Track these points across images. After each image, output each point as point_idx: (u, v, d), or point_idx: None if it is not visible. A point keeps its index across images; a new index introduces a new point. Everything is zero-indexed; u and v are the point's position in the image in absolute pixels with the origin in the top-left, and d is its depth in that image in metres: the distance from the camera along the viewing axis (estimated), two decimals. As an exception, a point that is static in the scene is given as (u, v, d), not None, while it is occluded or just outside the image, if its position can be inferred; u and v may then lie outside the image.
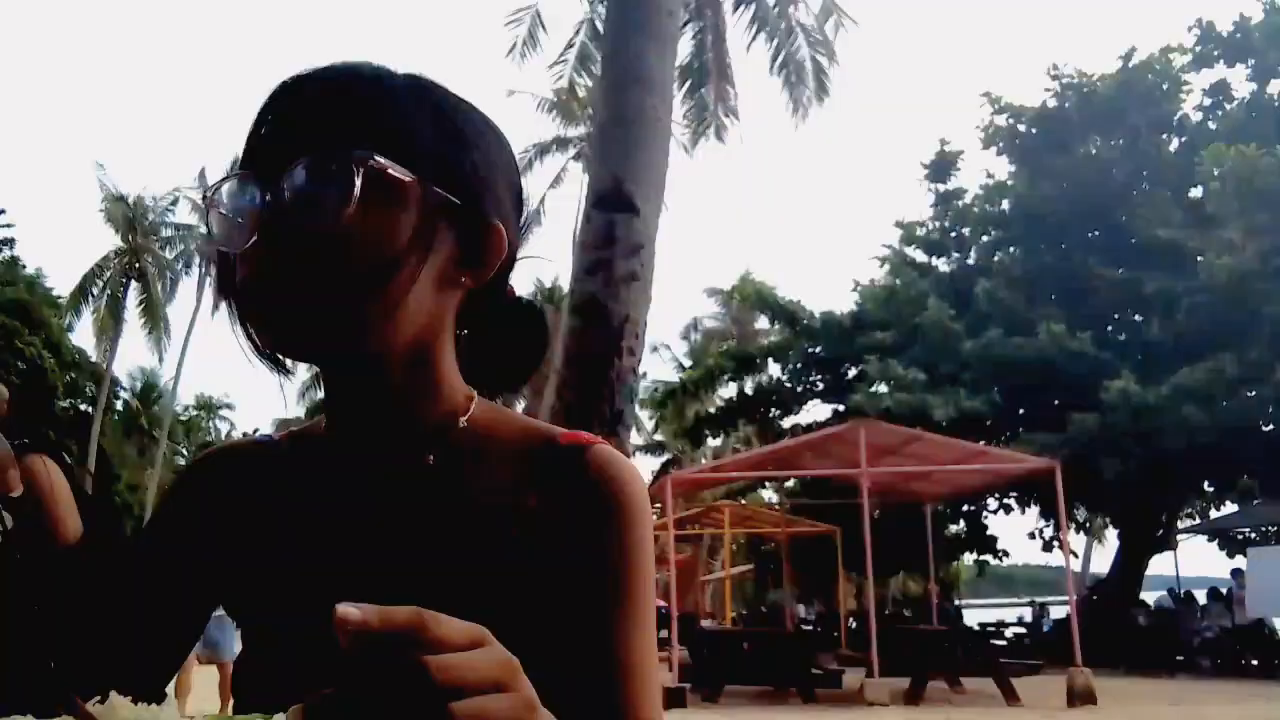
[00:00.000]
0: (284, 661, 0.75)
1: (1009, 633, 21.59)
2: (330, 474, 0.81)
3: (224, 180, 0.76)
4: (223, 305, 0.79)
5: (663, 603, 24.73)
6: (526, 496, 0.78)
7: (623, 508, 0.78)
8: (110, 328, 34.74)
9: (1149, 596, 21.27)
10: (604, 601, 0.75)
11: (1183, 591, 19.98)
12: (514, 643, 0.70)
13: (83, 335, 37.89)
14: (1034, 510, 22.45)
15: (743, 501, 26.84)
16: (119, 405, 42.93)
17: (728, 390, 26.16)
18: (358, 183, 0.71)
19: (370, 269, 0.72)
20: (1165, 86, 20.13)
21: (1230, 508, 21.13)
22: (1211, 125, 20.22)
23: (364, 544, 0.78)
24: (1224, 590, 18.45)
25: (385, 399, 0.79)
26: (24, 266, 36.34)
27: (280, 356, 0.79)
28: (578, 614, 0.75)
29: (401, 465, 0.79)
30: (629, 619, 0.76)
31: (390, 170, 0.73)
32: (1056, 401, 19.33)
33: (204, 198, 0.77)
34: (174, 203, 37.51)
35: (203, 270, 36.83)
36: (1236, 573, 17.98)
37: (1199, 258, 17.92)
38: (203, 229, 37.51)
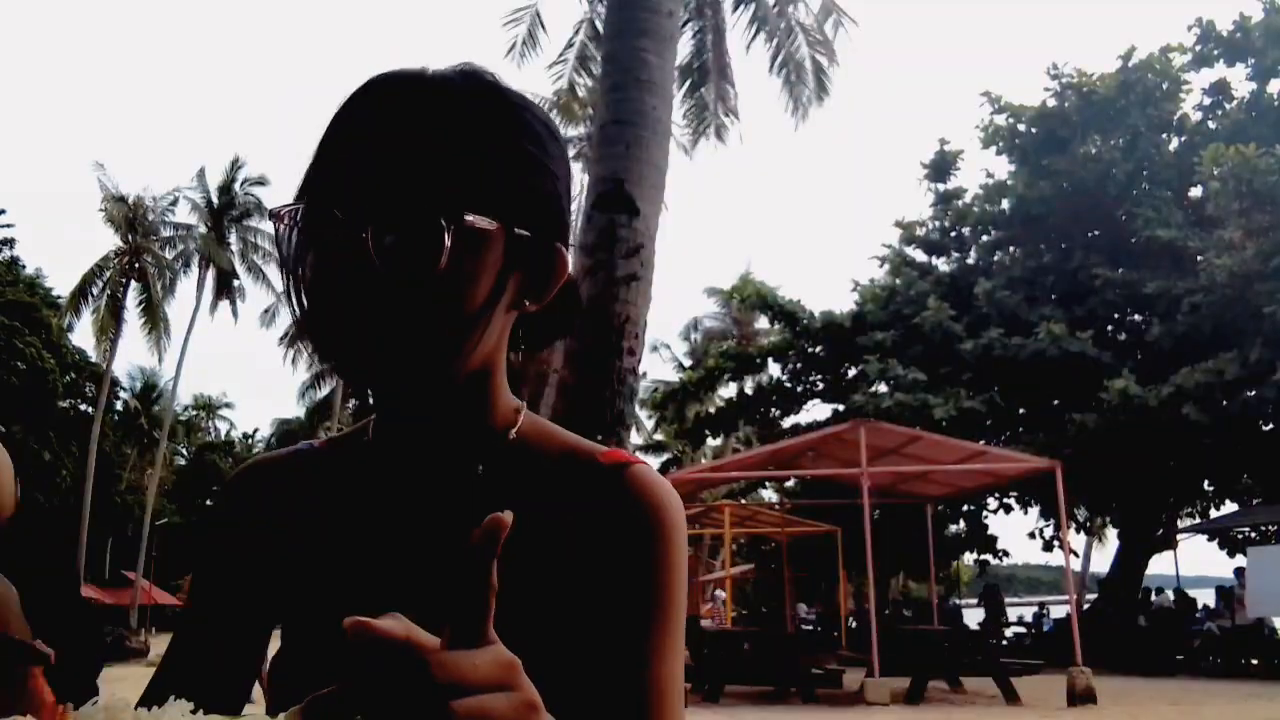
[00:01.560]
0: (324, 663, 0.75)
1: (1008, 632, 21.61)
2: (379, 482, 0.83)
3: (302, 202, 0.76)
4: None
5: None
6: (570, 511, 0.79)
7: (662, 529, 0.79)
8: (110, 328, 34.73)
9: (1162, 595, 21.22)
10: (640, 621, 0.76)
11: (1179, 591, 20.00)
12: (548, 655, 0.71)
13: (83, 335, 37.93)
14: (1034, 510, 22.46)
15: (743, 501, 26.84)
16: (119, 405, 42.94)
17: (728, 390, 26.19)
18: (448, 241, 0.72)
19: (456, 319, 0.74)
20: (1165, 86, 20.13)
21: (1230, 507, 21.14)
22: (1211, 125, 20.23)
23: (413, 551, 0.79)
24: (1229, 589, 18.44)
25: (444, 416, 0.81)
26: (24, 266, 36.37)
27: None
28: (614, 632, 0.76)
29: (452, 475, 0.81)
30: (663, 640, 0.76)
31: (479, 224, 0.74)
32: (1056, 401, 19.34)
33: (274, 215, 0.76)
34: (174, 203, 37.55)
35: (202, 270, 36.84)
36: (1239, 572, 17.98)
37: (1199, 258, 17.92)
38: (202, 229, 37.56)
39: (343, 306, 0.74)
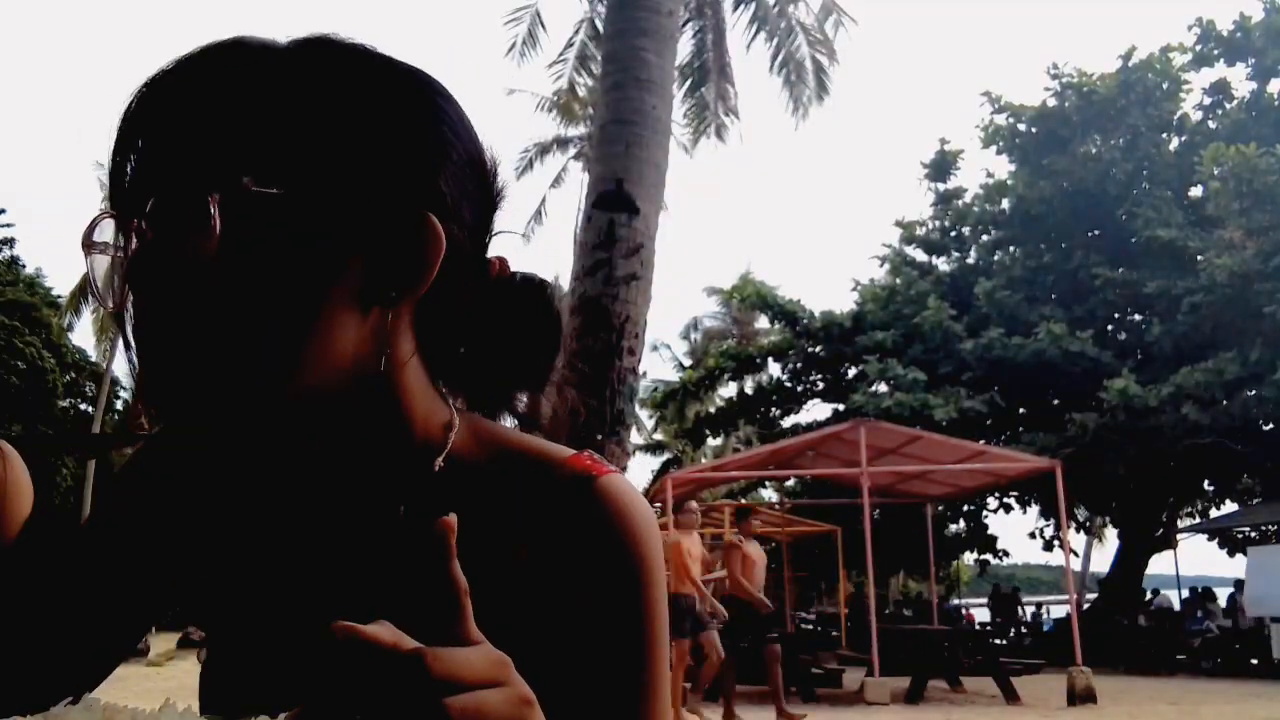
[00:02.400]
0: (259, 669, 0.69)
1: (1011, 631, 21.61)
2: (284, 496, 0.71)
3: (95, 221, 0.62)
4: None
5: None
6: (521, 542, 0.67)
7: (636, 553, 0.67)
8: (110, 327, 34.73)
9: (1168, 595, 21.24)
10: (623, 664, 0.66)
11: (1193, 590, 20.00)
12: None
13: (83, 335, 37.92)
14: (1034, 510, 22.47)
15: (743, 501, 26.84)
16: (119, 405, 42.96)
17: (728, 390, 26.18)
18: (214, 214, 0.58)
19: (253, 313, 0.59)
20: (1165, 86, 20.12)
21: (1230, 507, 21.14)
22: (1211, 125, 20.22)
23: (332, 606, 0.67)
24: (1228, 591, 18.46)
25: (334, 448, 0.68)
26: (24, 266, 36.37)
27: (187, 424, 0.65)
28: (591, 681, 0.66)
29: (369, 518, 0.68)
30: (648, 682, 0.67)
31: (256, 189, 0.59)
32: (1056, 401, 19.35)
33: (82, 243, 0.63)
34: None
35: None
36: (1240, 584, 17.99)
37: (1199, 258, 17.92)
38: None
39: (141, 326, 0.61)
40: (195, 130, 0.60)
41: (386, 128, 0.64)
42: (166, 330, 0.60)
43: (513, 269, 0.74)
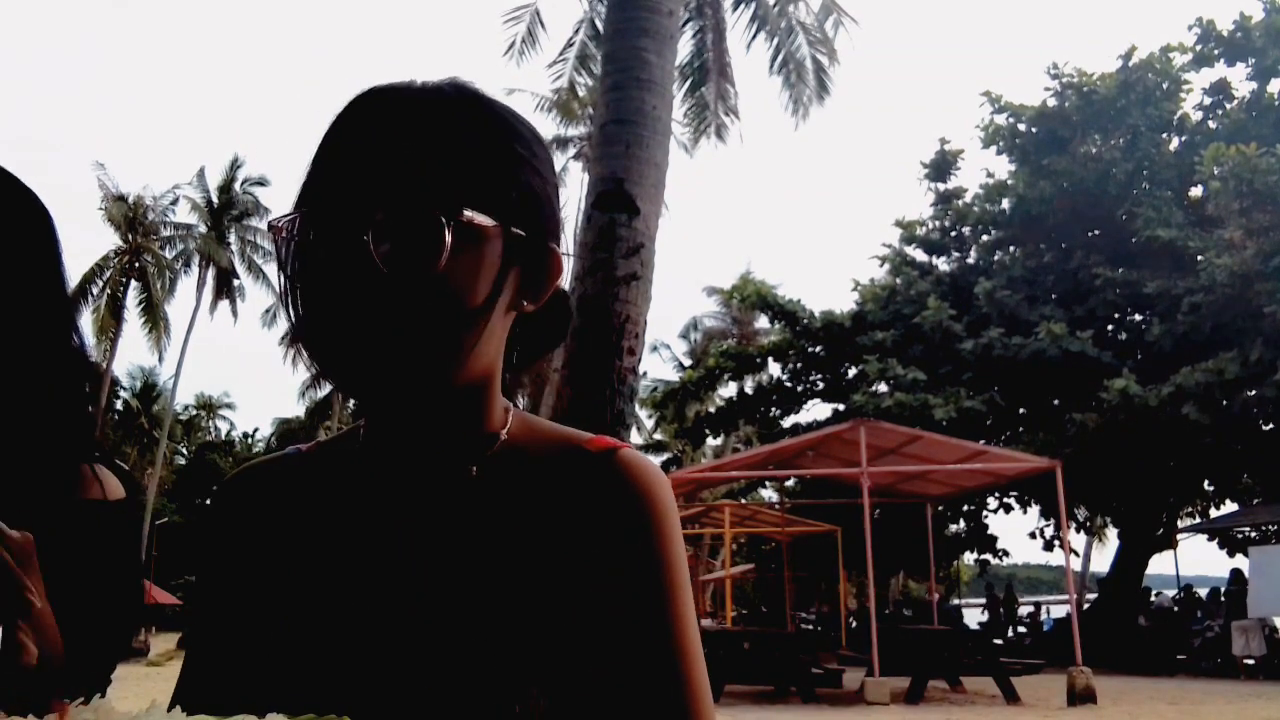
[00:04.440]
0: (310, 666, 0.77)
1: (1009, 630, 21.62)
2: (370, 487, 0.83)
3: (300, 212, 0.76)
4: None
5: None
6: (564, 502, 0.81)
7: (656, 506, 0.81)
8: (110, 327, 34.72)
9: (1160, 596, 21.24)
10: (654, 598, 0.79)
11: (1188, 589, 20.00)
12: (566, 642, 0.76)
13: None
14: (1034, 510, 22.47)
15: (743, 501, 26.84)
16: (119, 405, 42.94)
17: (728, 390, 26.17)
18: (448, 238, 0.72)
19: (457, 318, 0.75)
20: (1165, 86, 20.12)
21: (1230, 507, 21.14)
22: (1212, 124, 20.23)
23: (406, 556, 0.79)
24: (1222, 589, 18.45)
25: (442, 420, 0.82)
26: (24, 266, 36.29)
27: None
28: (630, 609, 0.78)
29: (446, 478, 0.82)
30: (678, 611, 0.80)
31: (477, 220, 0.75)
32: (1056, 401, 19.34)
33: (273, 226, 0.77)
34: (174, 202, 37.54)
35: (202, 270, 36.84)
36: (1235, 573, 18.00)
37: (1199, 258, 17.92)
38: (202, 228, 37.57)
39: (345, 312, 0.73)
40: (432, 155, 0.75)
41: (541, 174, 0.82)
42: (388, 321, 0.73)
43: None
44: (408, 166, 0.74)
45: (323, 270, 0.74)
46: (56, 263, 1.00)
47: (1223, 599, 18.27)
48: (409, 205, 0.73)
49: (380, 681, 0.75)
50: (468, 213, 0.74)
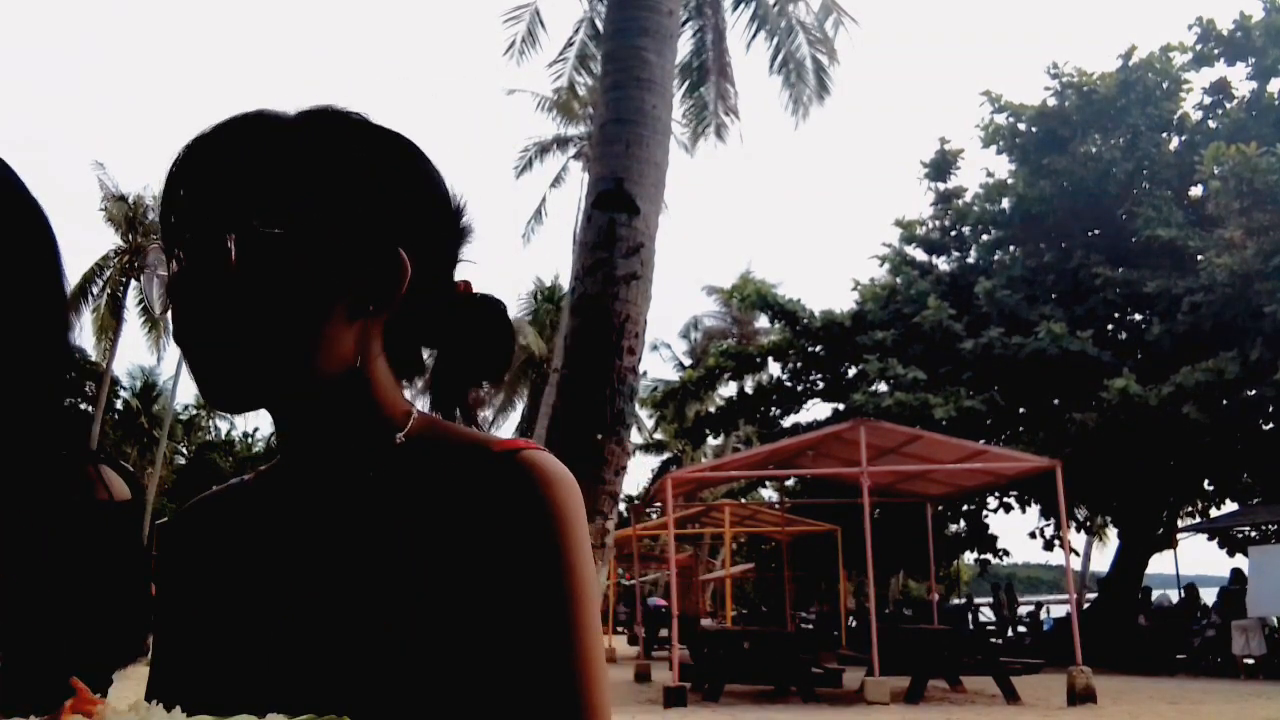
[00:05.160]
0: (205, 673, 0.83)
1: (1009, 630, 21.62)
2: (285, 500, 0.86)
3: (147, 250, 0.83)
4: None
5: (663, 602, 24.75)
6: (462, 504, 0.80)
7: (557, 509, 0.80)
8: (110, 327, 34.72)
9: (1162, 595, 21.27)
10: (551, 605, 0.78)
11: (1190, 587, 19.98)
12: (455, 650, 0.76)
13: (83, 334, 37.90)
14: (1034, 509, 22.45)
15: (743, 501, 26.83)
16: (119, 405, 42.93)
17: (728, 389, 26.16)
18: (232, 248, 0.76)
19: (274, 329, 0.78)
20: (1165, 85, 20.10)
21: (1230, 507, 21.13)
22: (1212, 124, 20.20)
23: (311, 564, 0.82)
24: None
25: (321, 428, 0.85)
26: (24, 266, 36.30)
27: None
28: (526, 615, 0.77)
29: (344, 484, 0.84)
30: (577, 620, 0.78)
31: (268, 229, 0.78)
32: (1056, 401, 19.32)
33: (138, 266, 0.83)
34: (174, 202, 37.52)
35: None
36: (1235, 573, 17.99)
37: (1199, 257, 17.91)
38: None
39: (181, 334, 0.80)
40: (222, 183, 0.79)
41: (369, 182, 0.83)
42: (207, 334, 0.79)
43: (476, 291, 0.90)
44: (214, 185, 0.79)
45: (166, 301, 0.82)
46: (52, 263, 1.00)
47: (1219, 599, 18.29)
48: (206, 222, 0.78)
49: (279, 693, 0.74)
50: (258, 220, 0.78)
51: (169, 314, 0.81)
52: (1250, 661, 15.90)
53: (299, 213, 0.79)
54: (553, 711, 0.76)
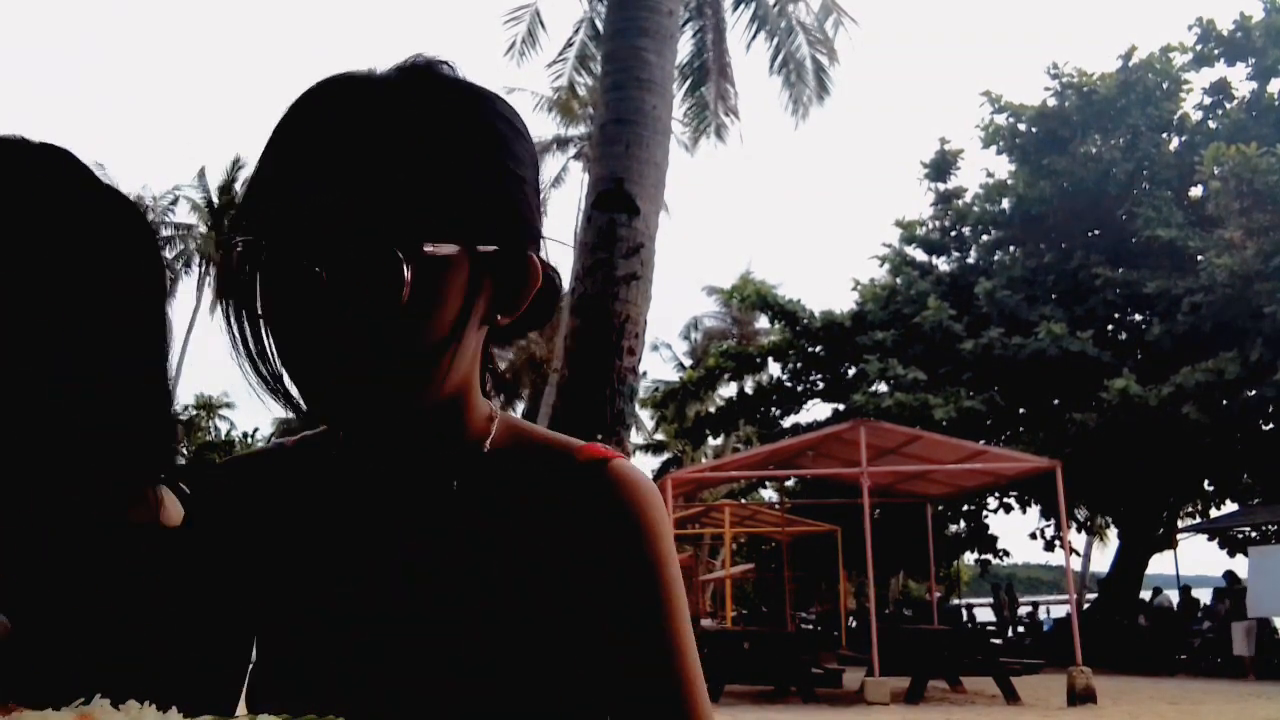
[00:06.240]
0: (299, 672, 0.77)
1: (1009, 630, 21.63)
2: (352, 493, 0.81)
3: (247, 233, 0.71)
4: (230, 327, 0.75)
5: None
6: (553, 514, 0.79)
7: (648, 521, 0.79)
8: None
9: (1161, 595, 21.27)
10: (649, 615, 0.77)
11: (1185, 590, 20.00)
12: (548, 656, 0.75)
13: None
14: (1034, 510, 22.46)
15: (743, 501, 26.81)
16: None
17: (728, 390, 26.16)
18: (407, 274, 0.68)
19: (424, 348, 0.72)
20: (1165, 86, 20.11)
21: (1230, 507, 21.14)
22: (1212, 124, 20.21)
23: (388, 566, 0.78)
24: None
25: (418, 436, 0.80)
26: (24, 266, 36.33)
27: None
28: (626, 627, 0.77)
29: (427, 492, 0.80)
30: (675, 628, 0.78)
31: (439, 251, 0.70)
32: (1056, 401, 19.33)
33: (220, 244, 0.75)
34: (174, 203, 37.57)
35: (202, 270, 36.84)
36: (1229, 575, 18.03)
37: (1199, 258, 17.91)
38: (202, 229, 37.57)
39: (303, 345, 0.71)
40: (386, 185, 0.69)
41: (516, 173, 0.76)
42: (351, 356, 0.70)
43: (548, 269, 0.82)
44: (360, 189, 0.69)
45: (278, 300, 0.71)
46: (157, 280, 0.97)
47: (1215, 601, 18.36)
48: (364, 239, 0.68)
49: (365, 696, 0.74)
50: (429, 246, 0.69)
51: (290, 328, 0.71)
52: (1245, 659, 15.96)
53: (464, 217, 0.72)
54: (667, 714, 0.76)
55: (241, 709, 0.67)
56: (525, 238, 0.77)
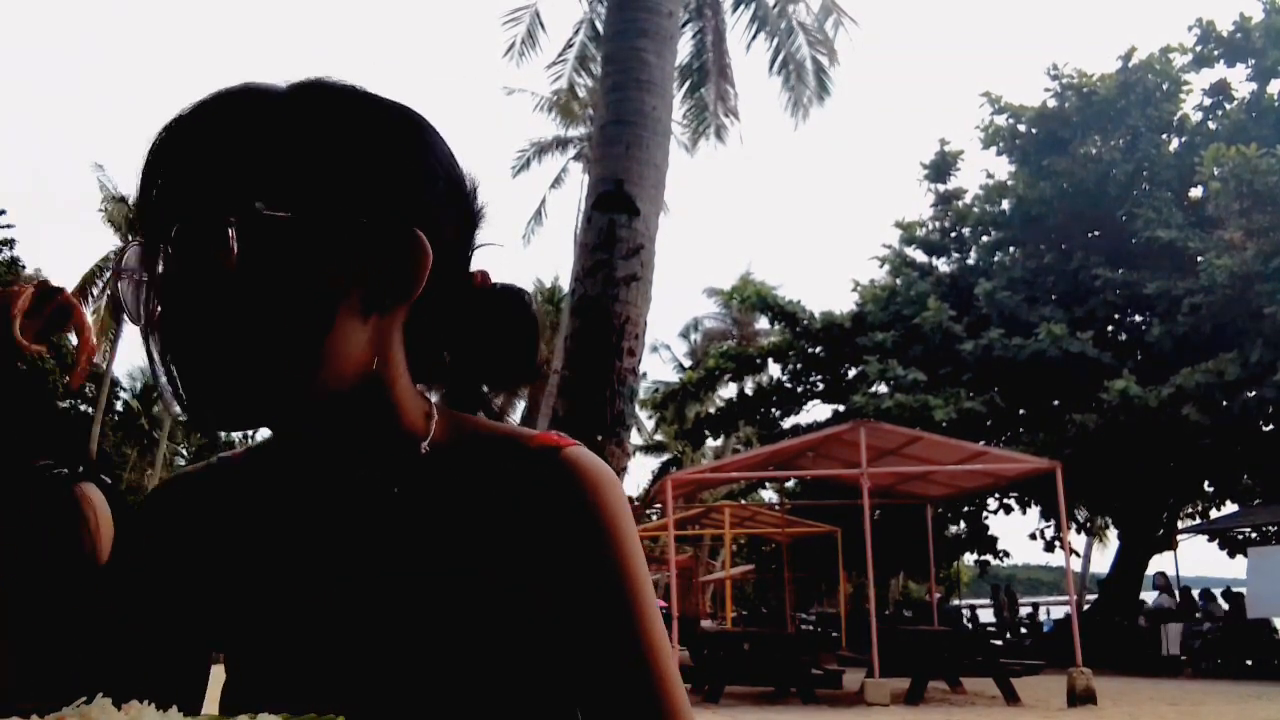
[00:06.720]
0: (263, 685, 0.76)
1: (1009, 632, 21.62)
2: (294, 502, 0.79)
3: (124, 249, 0.71)
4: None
5: (663, 603, 24.70)
6: (502, 509, 0.76)
7: (606, 508, 0.76)
8: (110, 328, 34.71)
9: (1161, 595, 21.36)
10: (614, 603, 0.75)
11: (1184, 591, 19.99)
12: (512, 653, 0.74)
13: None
14: (1034, 511, 22.45)
15: (743, 502, 26.82)
16: (119, 406, 42.96)
17: (728, 391, 26.17)
18: (231, 237, 0.66)
19: (275, 323, 0.68)
20: (1165, 86, 20.11)
21: (1230, 508, 21.14)
22: (1212, 125, 20.21)
23: (340, 578, 0.76)
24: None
25: (335, 438, 0.77)
26: (24, 267, 36.33)
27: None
28: (589, 617, 0.75)
29: (368, 497, 0.77)
30: (641, 613, 0.76)
31: (268, 213, 0.68)
32: (1056, 401, 19.33)
33: (112, 271, 0.75)
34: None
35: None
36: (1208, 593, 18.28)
37: (1199, 258, 17.91)
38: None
39: (172, 343, 0.70)
40: (212, 165, 0.69)
41: (378, 158, 0.73)
42: (198, 341, 0.69)
43: (494, 281, 0.82)
44: (200, 168, 0.69)
45: (143, 305, 0.71)
46: None
47: (1146, 602, 18.72)
48: (194, 210, 0.68)
49: (323, 703, 0.73)
50: (256, 205, 0.67)
51: (153, 321, 0.70)
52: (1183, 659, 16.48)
53: (299, 195, 0.69)
54: (642, 700, 0.74)
55: None
56: (406, 217, 0.73)
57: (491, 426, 0.82)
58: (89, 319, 0.85)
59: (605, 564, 0.75)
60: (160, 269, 0.69)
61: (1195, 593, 19.02)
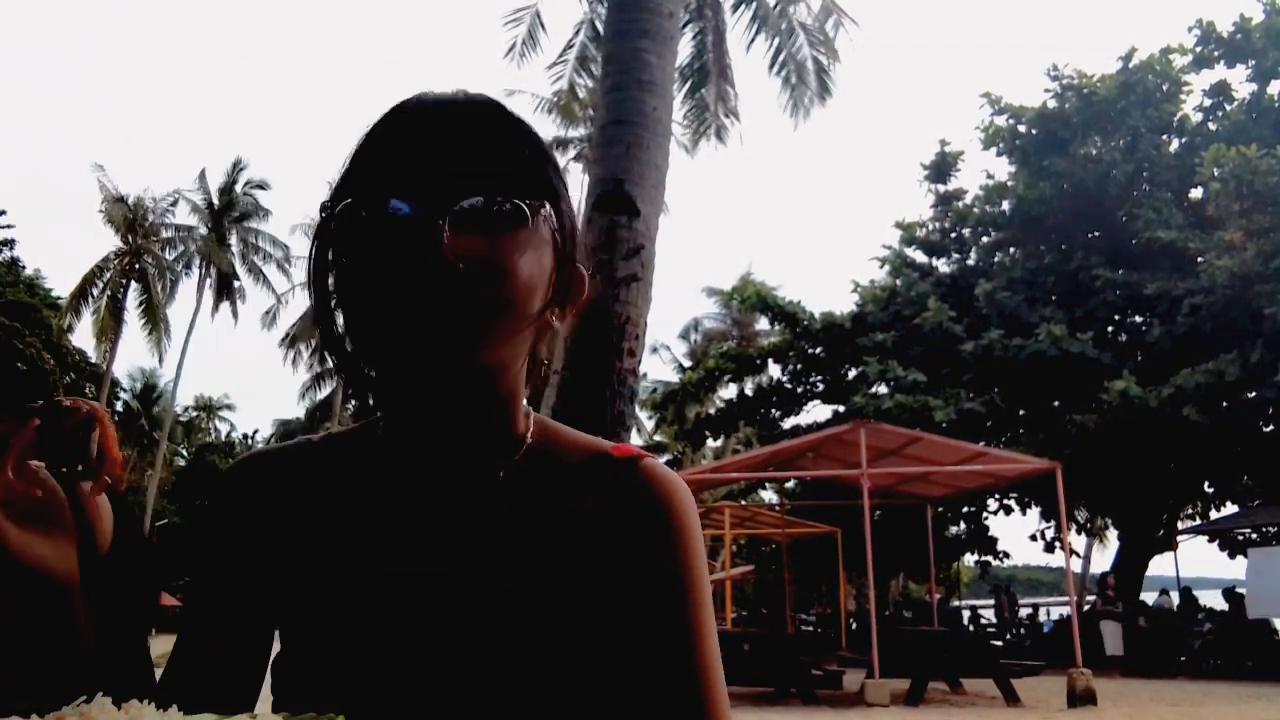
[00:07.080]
0: (335, 661, 0.77)
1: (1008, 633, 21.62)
2: (393, 483, 0.83)
3: (380, 200, 0.73)
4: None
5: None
6: (587, 508, 0.82)
7: (679, 518, 0.83)
8: (110, 329, 34.74)
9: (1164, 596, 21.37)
10: (675, 609, 0.80)
11: (1185, 591, 20.00)
12: (578, 646, 0.77)
13: (83, 336, 37.88)
14: (1034, 511, 22.46)
15: (743, 503, 26.81)
16: (119, 406, 42.94)
17: (728, 391, 26.17)
18: (533, 222, 0.75)
19: (511, 314, 0.75)
20: (1165, 87, 20.12)
21: (1230, 509, 21.14)
22: (1212, 126, 20.23)
23: (436, 555, 0.80)
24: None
25: (470, 421, 0.82)
26: (24, 267, 36.31)
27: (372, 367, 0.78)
28: (651, 618, 0.80)
29: (473, 480, 0.82)
30: (699, 622, 0.81)
31: (544, 214, 0.77)
32: (1056, 402, 19.33)
33: (335, 213, 0.75)
34: (174, 204, 37.56)
35: (203, 272, 36.83)
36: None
37: (1199, 259, 17.92)
38: (202, 230, 37.56)
39: (406, 301, 0.72)
40: (525, 151, 0.77)
41: (563, 184, 0.82)
42: (469, 298, 0.72)
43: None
44: (478, 167, 0.74)
45: (381, 259, 0.72)
46: None
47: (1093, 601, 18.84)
48: (501, 190, 0.74)
49: (403, 679, 0.76)
50: (545, 206, 0.76)
51: (395, 281, 0.72)
52: (1118, 655, 16.66)
53: (560, 193, 0.79)
54: (684, 709, 0.78)
55: (264, 705, 0.66)
56: (578, 255, 0.83)
57: (570, 432, 0.89)
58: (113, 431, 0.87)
59: (677, 571, 0.81)
60: (420, 238, 0.71)
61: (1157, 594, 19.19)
